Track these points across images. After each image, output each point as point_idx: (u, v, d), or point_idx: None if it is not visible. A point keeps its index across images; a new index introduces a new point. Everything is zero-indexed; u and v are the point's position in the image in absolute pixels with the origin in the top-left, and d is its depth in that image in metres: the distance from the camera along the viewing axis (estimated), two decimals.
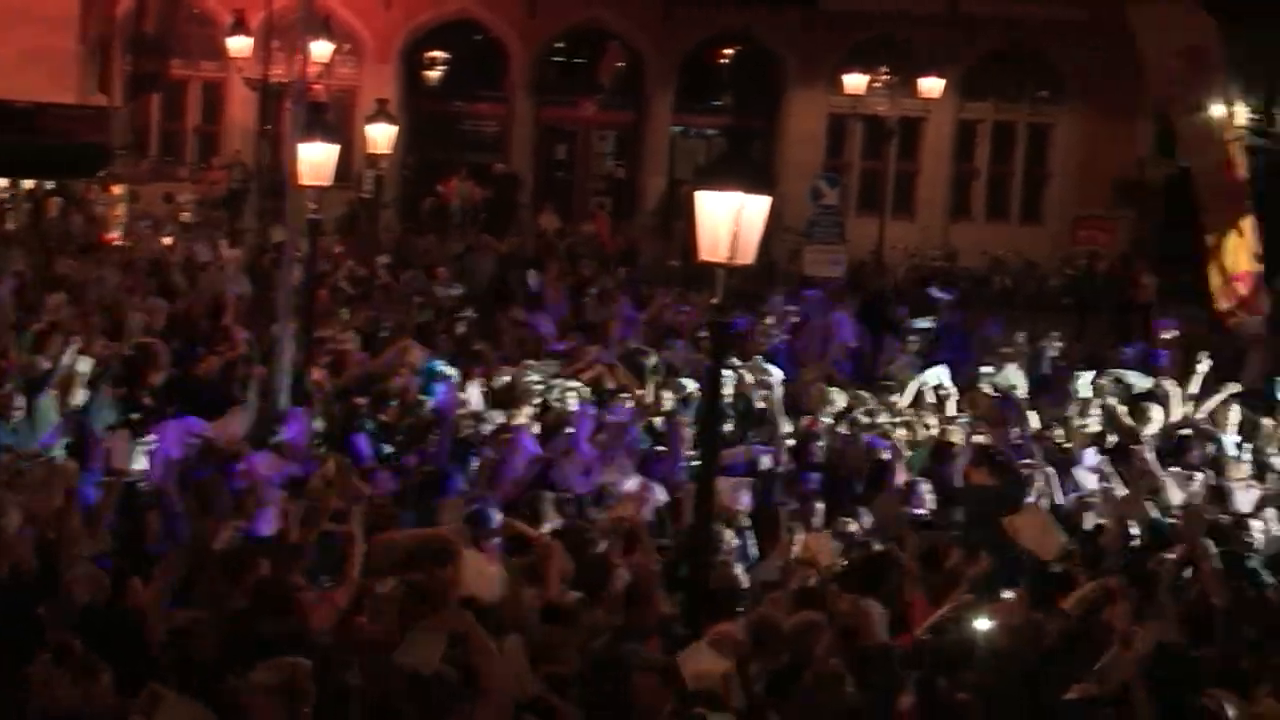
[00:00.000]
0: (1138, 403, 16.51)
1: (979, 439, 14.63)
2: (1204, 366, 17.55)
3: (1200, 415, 16.58)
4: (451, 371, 15.59)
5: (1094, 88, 33.74)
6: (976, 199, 35.58)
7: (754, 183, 9.52)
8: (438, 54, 35.06)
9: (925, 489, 12.95)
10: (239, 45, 29.48)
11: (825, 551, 10.80)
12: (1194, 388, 17.10)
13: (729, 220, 9.37)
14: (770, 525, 11.61)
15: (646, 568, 9.92)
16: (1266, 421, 16.35)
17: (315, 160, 15.72)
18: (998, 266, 33.48)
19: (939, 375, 16.73)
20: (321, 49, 27.36)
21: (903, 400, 16.20)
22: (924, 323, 20.95)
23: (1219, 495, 13.52)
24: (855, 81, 32.13)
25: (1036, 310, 27.97)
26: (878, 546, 11.46)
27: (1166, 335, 24.16)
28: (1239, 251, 22.72)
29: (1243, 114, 25.99)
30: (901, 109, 33.56)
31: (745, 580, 10.54)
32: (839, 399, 16.00)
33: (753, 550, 11.57)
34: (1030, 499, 12.60)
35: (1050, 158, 35.37)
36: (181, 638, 7.78)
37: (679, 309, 20.99)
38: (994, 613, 9.04)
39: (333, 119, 25.14)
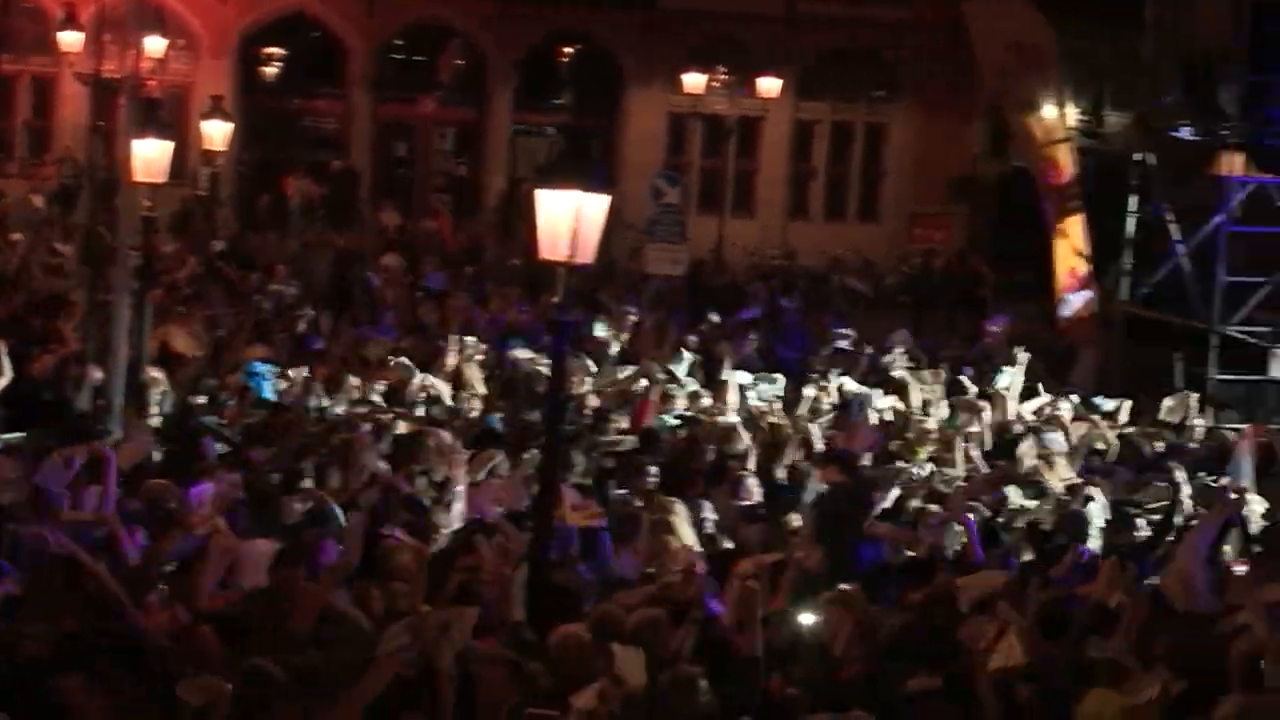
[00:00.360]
0: (968, 400, 16.85)
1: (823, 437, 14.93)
2: (1022, 359, 17.92)
3: (1029, 412, 16.95)
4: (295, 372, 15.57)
5: (929, 87, 34.23)
6: (815, 198, 35.91)
7: (593, 182, 9.56)
8: (274, 50, 34.65)
9: (753, 482, 13.17)
10: (70, 39, 28.96)
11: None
12: (1017, 384, 17.46)
13: (569, 219, 9.41)
14: (629, 524, 11.64)
15: (485, 564, 9.92)
16: (1096, 418, 16.75)
17: (149, 157, 15.56)
18: (836, 265, 33.82)
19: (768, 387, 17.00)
20: (155, 44, 26.98)
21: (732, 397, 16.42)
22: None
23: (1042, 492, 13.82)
24: (694, 81, 32.36)
25: (874, 308, 28.31)
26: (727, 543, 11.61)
27: (994, 330, 24.67)
28: (1069, 249, 23.19)
29: (1073, 114, 26.47)
30: (740, 108, 33.84)
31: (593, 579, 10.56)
32: (680, 396, 16.18)
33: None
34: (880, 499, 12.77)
35: (886, 156, 35.80)
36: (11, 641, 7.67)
37: (521, 308, 21.02)
38: (829, 606, 9.12)
39: (167, 115, 24.76)
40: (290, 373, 15.90)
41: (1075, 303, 23.43)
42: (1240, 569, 9.54)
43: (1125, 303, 23.05)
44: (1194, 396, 17.83)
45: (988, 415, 16.19)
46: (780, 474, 14.00)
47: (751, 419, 15.53)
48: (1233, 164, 21.99)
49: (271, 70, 34.83)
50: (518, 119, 35.06)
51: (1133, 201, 23.11)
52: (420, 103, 35.21)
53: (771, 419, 15.56)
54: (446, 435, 13.17)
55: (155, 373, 14.90)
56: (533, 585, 9.73)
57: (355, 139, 34.62)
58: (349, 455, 12.49)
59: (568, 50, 35.25)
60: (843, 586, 9.82)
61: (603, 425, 15.09)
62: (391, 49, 34.89)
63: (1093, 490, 13.35)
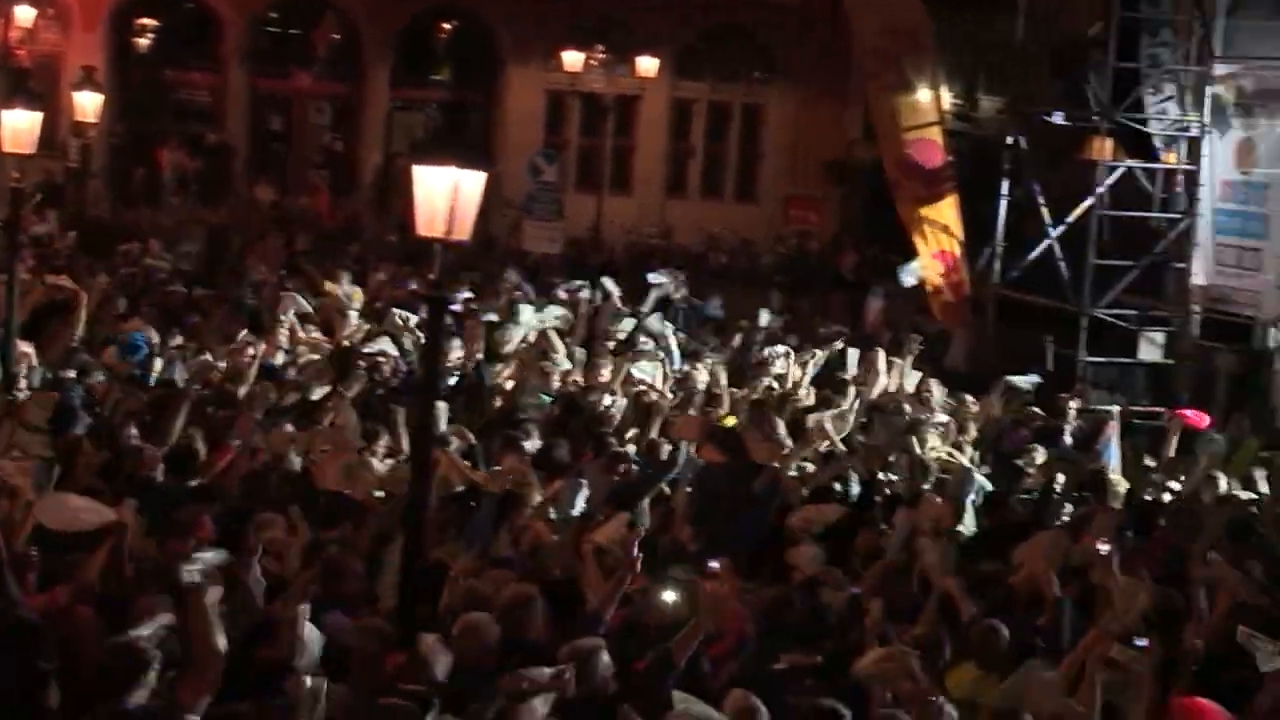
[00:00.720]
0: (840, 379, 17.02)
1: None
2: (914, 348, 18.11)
3: (900, 390, 17.14)
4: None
5: (806, 70, 34.43)
6: (692, 177, 36.03)
7: (470, 158, 9.54)
8: (148, 22, 34.16)
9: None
10: None
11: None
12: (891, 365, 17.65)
13: (446, 196, 9.38)
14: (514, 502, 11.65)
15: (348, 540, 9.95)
16: (969, 398, 16.97)
17: (18, 127, 15.33)
18: (713, 243, 33.99)
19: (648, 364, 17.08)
20: (25, 13, 26.54)
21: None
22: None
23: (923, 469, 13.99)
24: (572, 59, 32.34)
25: (750, 287, 28.46)
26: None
27: (873, 311, 24.94)
28: (940, 232, 23.45)
29: (947, 98, 26.76)
30: (618, 87, 33.88)
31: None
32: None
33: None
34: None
35: (764, 137, 35.99)
36: None
37: (401, 284, 20.93)
38: (698, 584, 9.17)
39: (37, 85, 24.36)
40: (163, 347, 15.81)
41: (908, 279, 23.85)
42: (1104, 547, 9.68)
43: (997, 285, 23.35)
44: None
45: (851, 394, 16.34)
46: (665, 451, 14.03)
47: (634, 395, 15.62)
48: (1102, 149, 22.34)
49: (145, 42, 34.33)
50: (395, 94, 34.84)
51: (1005, 185, 23.40)
52: (296, 77, 34.89)
53: (653, 395, 15.63)
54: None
55: (25, 347, 14.68)
56: (406, 562, 9.70)
57: (230, 113, 34.23)
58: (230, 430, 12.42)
59: (445, 26, 35.08)
60: (713, 563, 9.90)
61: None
62: (267, 22, 34.52)
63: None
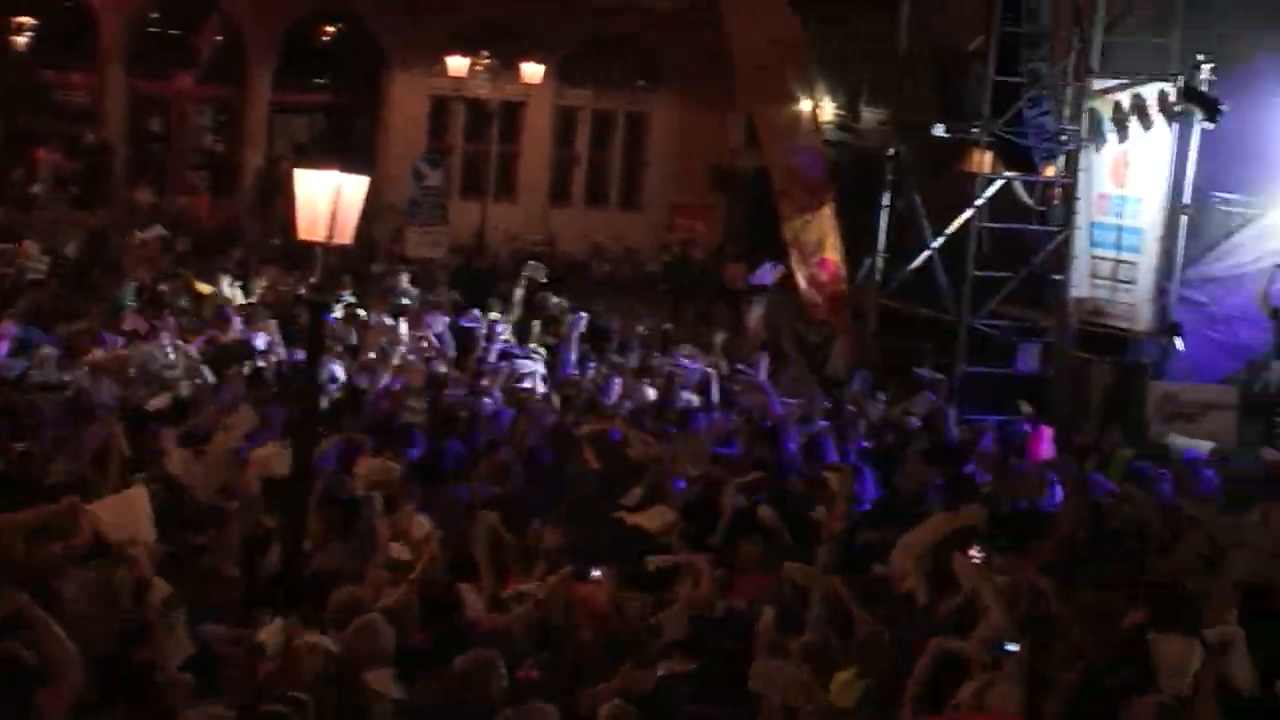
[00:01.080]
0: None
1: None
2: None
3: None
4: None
5: (691, 78, 34.54)
6: (577, 184, 36.05)
7: (353, 162, 9.53)
8: (24, 20, 33.62)
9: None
10: None
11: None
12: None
13: (327, 199, 9.35)
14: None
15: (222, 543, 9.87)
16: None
17: None
18: (597, 252, 34.02)
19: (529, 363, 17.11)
20: None
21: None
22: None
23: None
24: (457, 64, 32.26)
25: (633, 296, 28.53)
26: None
27: (754, 318, 25.05)
28: (820, 241, 23.63)
29: (829, 109, 26.96)
30: (503, 93, 33.83)
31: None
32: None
33: None
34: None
35: (648, 145, 36.09)
36: None
37: (281, 288, 20.79)
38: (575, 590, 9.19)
39: None
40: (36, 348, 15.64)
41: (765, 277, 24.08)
42: (975, 554, 9.78)
43: (878, 294, 23.56)
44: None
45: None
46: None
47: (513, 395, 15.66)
48: (982, 161, 22.59)
49: (22, 40, 33.79)
50: (277, 97, 34.56)
51: (886, 196, 23.61)
52: (176, 78, 34.49)
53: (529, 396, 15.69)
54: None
55: None
56: (286, 568, 9.64)
57: (109, 113, 33.79)
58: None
59: (329, 29, 34.84)
60: (595, 572, 9.91)
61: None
62: (147, 22, 34.11)
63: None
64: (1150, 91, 20.04)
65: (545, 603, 9.41)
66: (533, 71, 32.96)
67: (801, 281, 24.19)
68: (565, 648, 9.15)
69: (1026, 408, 18.15)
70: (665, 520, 11.02)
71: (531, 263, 21.19)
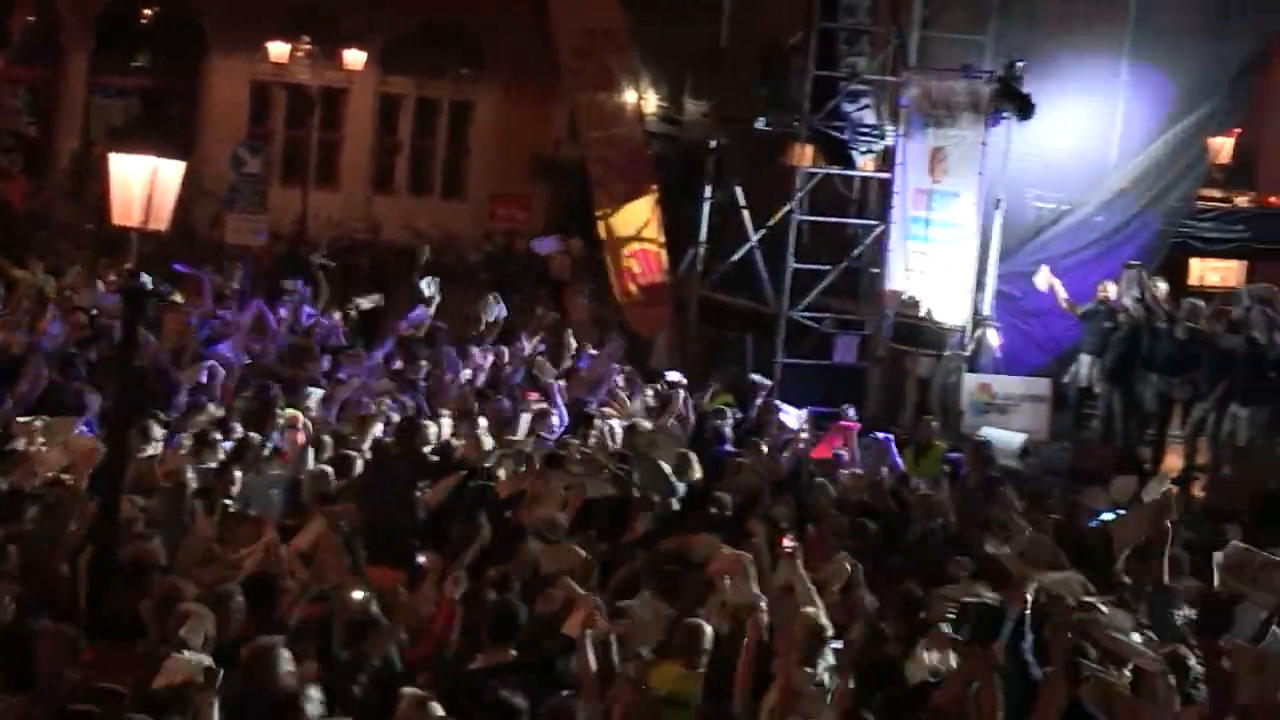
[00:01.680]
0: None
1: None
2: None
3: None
4: None
5: (514, 67, 34.48)
6: (400, 172, 35.83)
7: (169, 147, 9.40)
8: None
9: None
10: None
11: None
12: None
13: (143, 184, 9.23)
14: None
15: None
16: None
17: None
18: (420, 240, 33.81)
19: None
20: None
21: None
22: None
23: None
24: (278, 50, 31.91)
25: (456, 284, 28.40)
26: None
27: (579, 309, 25.12)
28: (638, 232, 23.74)
29: (653, 100, 27.07)
30: (325, 80, 33.52)
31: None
32: None
33: None
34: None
35: (471, 134, 35.98)
36: None
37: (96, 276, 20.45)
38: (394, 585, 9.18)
39: None
40: None
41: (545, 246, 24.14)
42: (789, 544, 9.92)
43: (700, 286, 23.73)
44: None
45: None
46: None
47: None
48: (803, 155, 22.85)
49: None
50: (94, 80, 33.88)
51: (708, 189, 23.80)
52: None
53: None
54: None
55: None
56: (99, 559, 9.50)
57: None
58: None
59: (148, 12, 34.23)
60: (421, 558, 9.91)
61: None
62: None
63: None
64: (965, 88, 20.40)
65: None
66: (355, 58, 32.71)
67: (614, 273, 24.28)
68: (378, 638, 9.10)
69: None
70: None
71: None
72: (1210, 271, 22.64)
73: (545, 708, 8.20)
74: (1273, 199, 23.23)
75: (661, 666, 9.05)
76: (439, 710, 7.78)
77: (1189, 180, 21.26)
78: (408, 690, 8.00)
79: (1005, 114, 19.89)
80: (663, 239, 23.64)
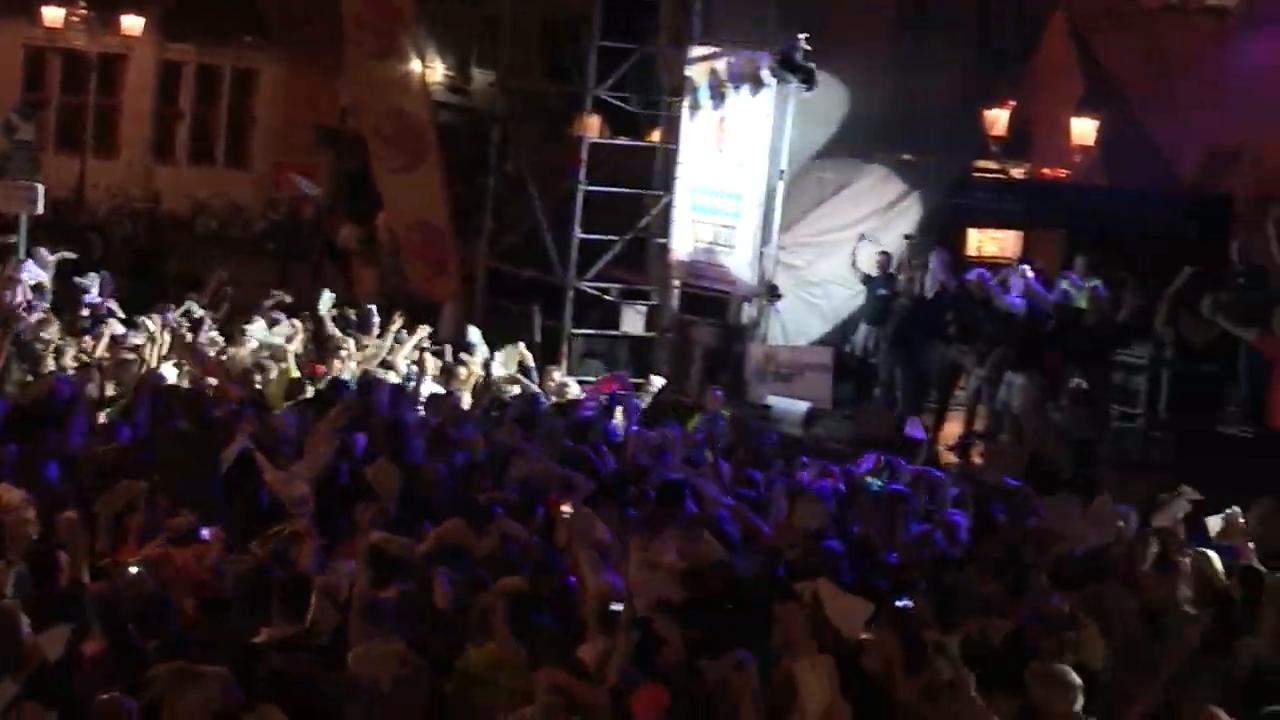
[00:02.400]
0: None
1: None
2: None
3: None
4: None
5: (298, 35, 33.96)
6: (181, 141, 35.16)
7: None
8: None
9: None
10: None
11: None
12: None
13: None
14: None
15: None
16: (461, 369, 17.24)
17: None
18: (202, 210, 33.29)
19: None
20: None
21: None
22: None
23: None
24: (53, 14, 31.13)
25: (239, 254, 28.03)
26: None
27: (366, 279, 24.93)
28: (423, 204, 23.61)
29: (440, 70, 26.92)
30: (102, 45, 32.74)
31: None
32: None
33: None
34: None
35: (255, 103, 35.41)
36: None
37: None
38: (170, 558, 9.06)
39: None
40: None
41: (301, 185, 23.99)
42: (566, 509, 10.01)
43: (487, 258, 23.67)
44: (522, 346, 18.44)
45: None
46: None
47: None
48: (589, 125, 22.88)
49: None
50: None
51: (494, 159, 23.73)
52: None
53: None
54: None
55: None
56: None
57: None
58: None
59: None
60: (204, 531, 9.78)
61: None
62: None
63: None
64: (749, 60, 20.58)
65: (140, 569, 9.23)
66: (132, 24, 32.01)
67: (399, 245, 24.13)
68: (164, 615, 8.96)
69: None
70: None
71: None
72: (988, 242, 23.14)
73: (329, 681, 8.13)
74: (1046, 170, 23.87)
75: (481, 647, 8.94)
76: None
77: (965, 153, 21.73)
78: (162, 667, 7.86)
79: (788, 85, 20.09)
80: (448, 210, 23.52)
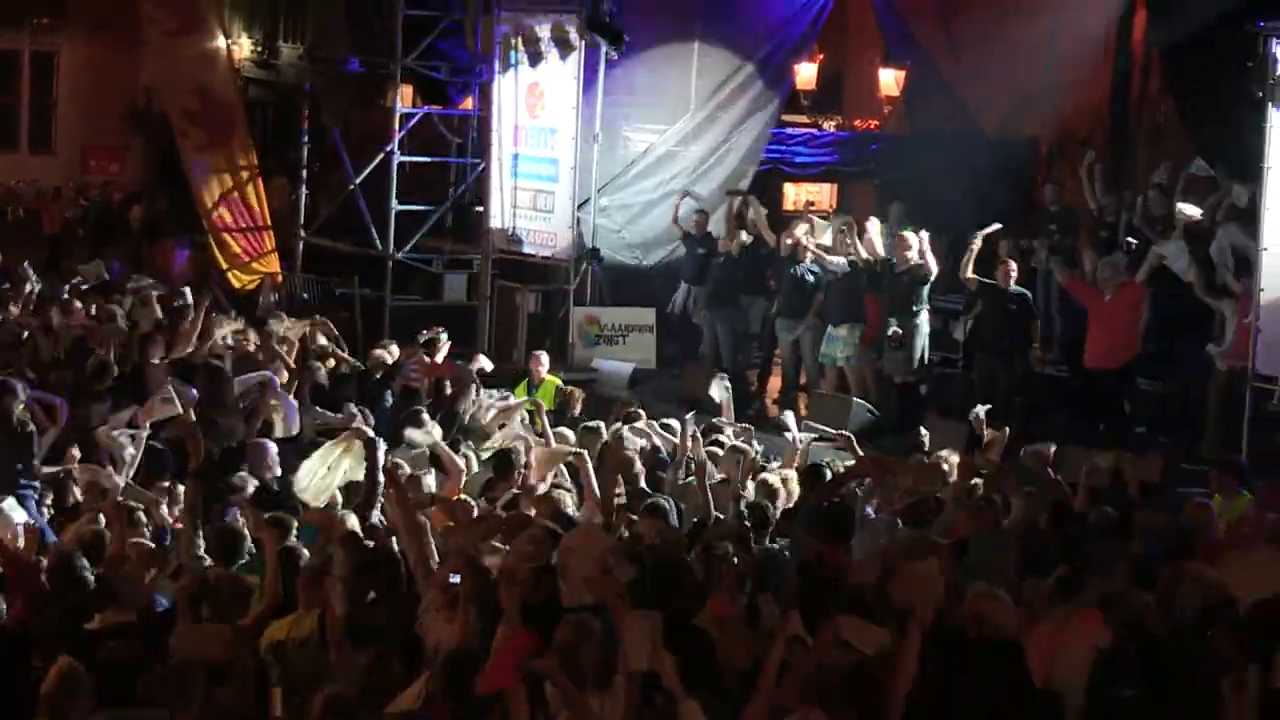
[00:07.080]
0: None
1: None
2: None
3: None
4: None
5: (97, 15, 33.26)
6: None
7: None
8: None
9: None
10: None
11: None
12: None
13: None
14: None
15: None
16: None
17: None
18: (11, 197, 32.54)
19: None
20: None
21: None
22: None
23: None
24: None
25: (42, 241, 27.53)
26: None
27: (182, 262, 24.60)
28: (233, 181, 23.36)
29: (246, 46, 26.53)
30: None
31: None
32: None
33: None
34: None
35: (57, 85, 34.62)
36: None
37: None
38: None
39: None
40: None
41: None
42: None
43: (303, 232, 23.46)
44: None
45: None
46: None
47: None
48: (400, 95, 22.71)
49: None
50: None
51: (305, 133, 23.51)
52: None
53: None
54: None
55: None
56: None
57: None
58: None
59: None
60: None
61: None
62: None
63: None
64: (557, 23, 20.57)
65: None
66: None
67: (208, 225, 23.84)
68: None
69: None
70: None
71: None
72: (805, 195, 23.40)
73: (160, 670, 8.11)
74: (857, 122, 24.13)
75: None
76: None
77: (772, 107, 21.88)
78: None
79: (598, 49, 20.12)
80: (258, 187, 23.29)
